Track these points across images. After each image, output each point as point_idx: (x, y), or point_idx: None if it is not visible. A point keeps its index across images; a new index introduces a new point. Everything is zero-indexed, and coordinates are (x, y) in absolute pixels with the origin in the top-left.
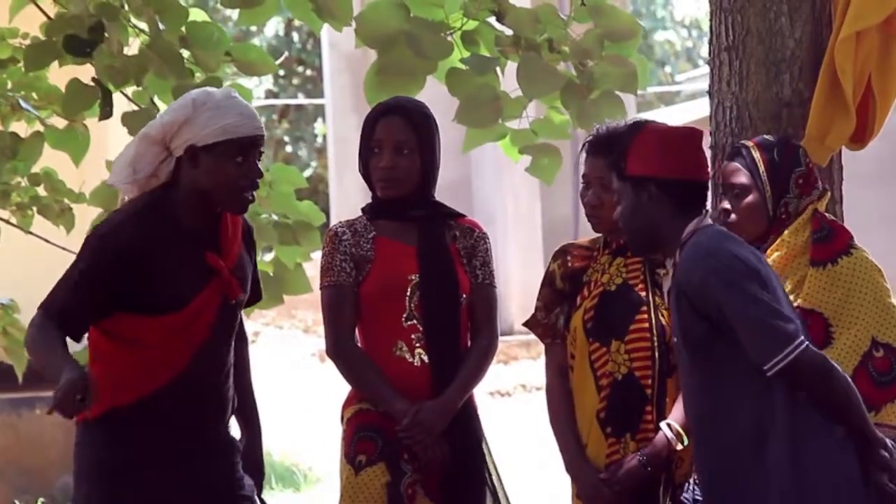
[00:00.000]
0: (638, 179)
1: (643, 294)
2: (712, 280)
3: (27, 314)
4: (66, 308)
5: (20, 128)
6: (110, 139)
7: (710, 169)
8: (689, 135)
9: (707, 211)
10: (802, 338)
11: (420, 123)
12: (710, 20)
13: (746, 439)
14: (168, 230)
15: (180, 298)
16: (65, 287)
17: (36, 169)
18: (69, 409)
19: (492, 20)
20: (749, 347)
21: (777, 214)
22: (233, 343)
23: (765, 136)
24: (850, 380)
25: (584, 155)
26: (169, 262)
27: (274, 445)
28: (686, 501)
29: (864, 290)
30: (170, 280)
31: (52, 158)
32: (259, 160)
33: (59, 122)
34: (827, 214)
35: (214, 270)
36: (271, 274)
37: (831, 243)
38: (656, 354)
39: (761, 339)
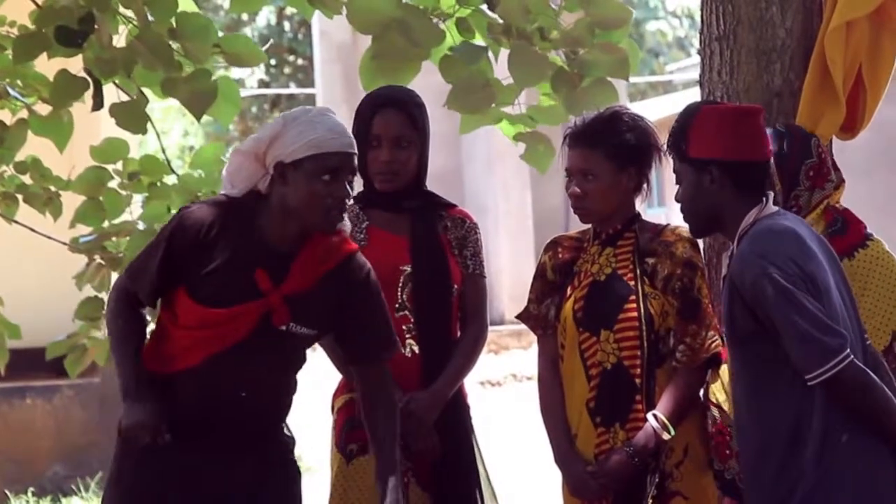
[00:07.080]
0: (700, 162)
1: (632, 284)
2: (763, 283)
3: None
4: (137, 268)
5: (5, 116)
6: (102, 126)
7: (771, 147)
8: (750, 113)
9: (769, 196)
10: (847, 352)
11: (417, 117)
12: (702, 10)
13: (784, 437)
14: (239, 233)
15: (219, 298)
16: (143, 250)
17: (24, 157)
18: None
19: (484, 8)
20: (793, 356)
21: (788, 208)
22: (283, 371)
23: (776, 125)
24: (889, 394)
25: (565, 148)
26: (226, 261)
27: None
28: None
29: (881, 283)
30: (218, 277)
31: (41, 147)
32: (351, 181)
33: (44, 109)
34: (839, 205)
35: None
36: None
37: (846, 236)
38: (645, 344)
39: (805, 350)
